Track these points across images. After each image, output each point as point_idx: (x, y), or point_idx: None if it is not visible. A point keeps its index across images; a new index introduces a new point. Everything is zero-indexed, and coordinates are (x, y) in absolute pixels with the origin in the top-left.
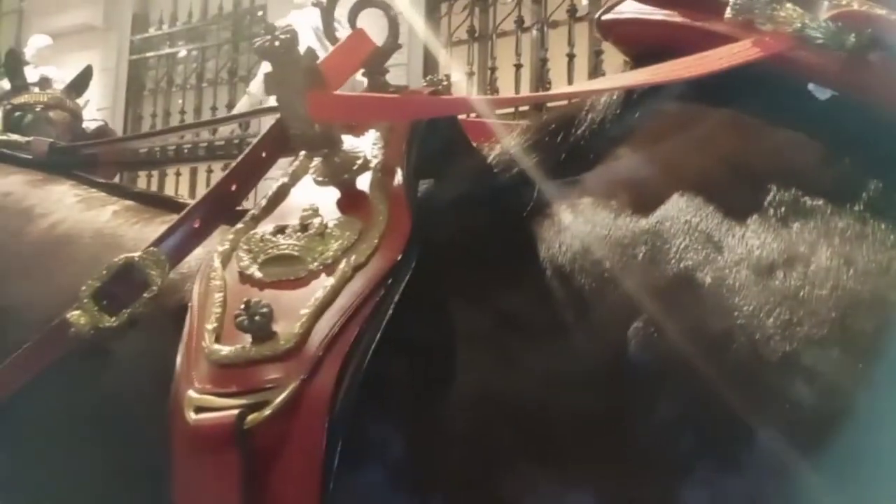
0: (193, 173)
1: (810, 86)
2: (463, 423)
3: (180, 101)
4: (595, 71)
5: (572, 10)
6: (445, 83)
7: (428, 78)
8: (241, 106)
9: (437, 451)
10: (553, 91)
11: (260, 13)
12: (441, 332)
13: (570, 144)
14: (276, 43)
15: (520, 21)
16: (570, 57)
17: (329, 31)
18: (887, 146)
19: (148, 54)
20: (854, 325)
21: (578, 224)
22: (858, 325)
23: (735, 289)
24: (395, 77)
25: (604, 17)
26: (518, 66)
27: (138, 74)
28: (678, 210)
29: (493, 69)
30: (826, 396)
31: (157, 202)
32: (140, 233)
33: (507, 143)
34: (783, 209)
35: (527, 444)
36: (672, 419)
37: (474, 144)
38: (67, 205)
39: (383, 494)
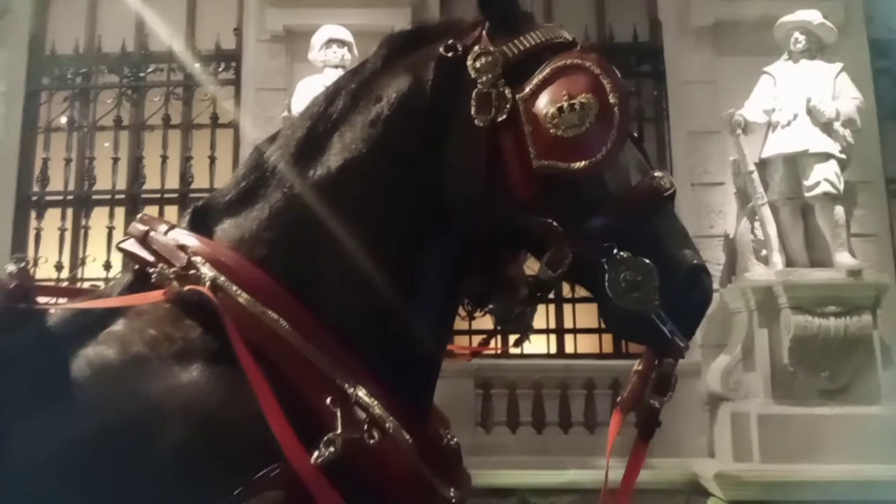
0: None
1: None
2: None
3: None
4: (185, 173)
5: (167, 119)
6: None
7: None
8: None
9: None
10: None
11: None
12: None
13: None
14: None
15: (118, 119)
16: (164, 158)
17: None
18: None
19: None
20: None
21: None
22: None
23: None
24: None
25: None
26: (115, 160)
27: None
28: None
29: (91, 159)
30: None
31: None
32: None
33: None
34: None
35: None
36: None
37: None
38: None
39: None
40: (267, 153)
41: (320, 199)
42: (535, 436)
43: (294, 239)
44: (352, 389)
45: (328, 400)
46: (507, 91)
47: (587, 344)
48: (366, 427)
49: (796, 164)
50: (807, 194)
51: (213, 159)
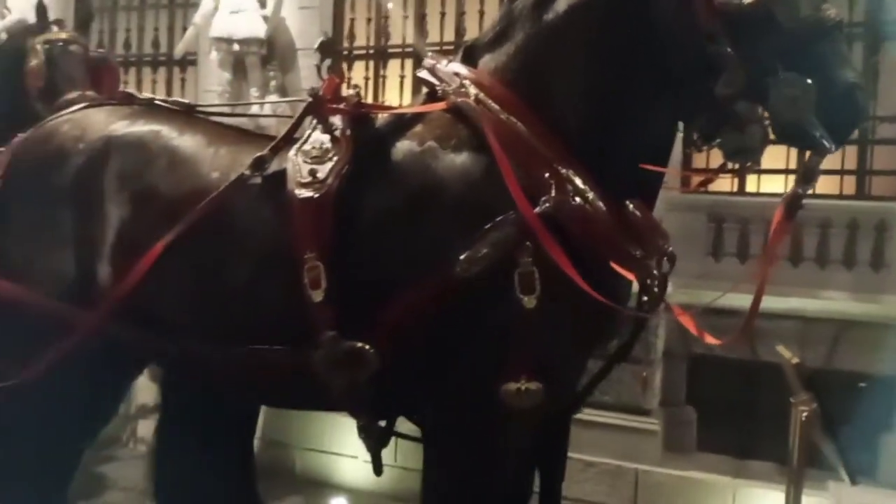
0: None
1: None
2: None
3: (125, 21)
4: (459, 26)
5: None
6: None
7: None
8: (189, 35)
9: None
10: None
11: None
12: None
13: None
14: None
15: None
16: (442, 14)
17: None
18: None
19: None
20: None
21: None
22: None
23: None
24: (308, 17)
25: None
26: (405, 18)
27: None
28: None
29: (386, 17)
30: None
31: (257, 135)
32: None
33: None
34: None
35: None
36: None
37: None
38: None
39: None
40: (515, 3)
41: (551, 35)
42: None
43: (532, 67)
44: (564, 171)
45: (546, 175)
46: None
47: (827, 185)
48: (571, 193)
49: None
50: None
51: (482, 14)
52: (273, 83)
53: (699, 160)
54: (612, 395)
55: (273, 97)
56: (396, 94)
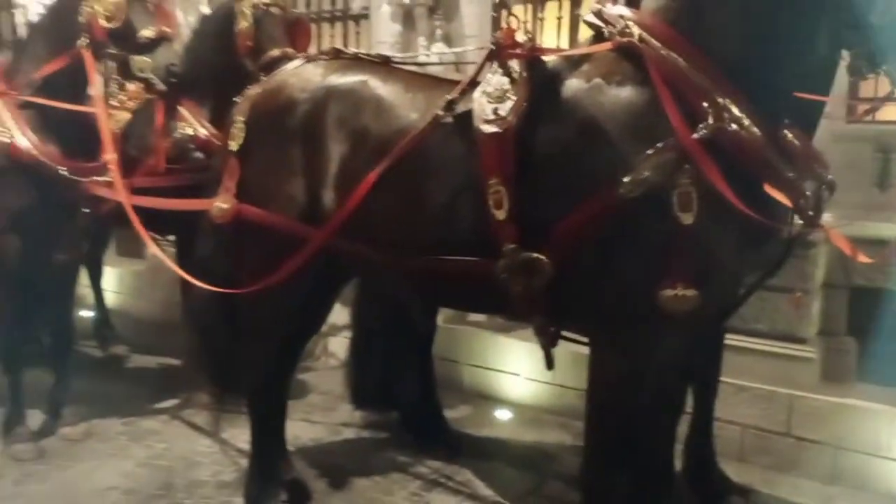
0: None
1: None
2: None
3: None
4: None
5: None
6: (531, 37)
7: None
8: None
9: None
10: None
11: None
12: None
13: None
14: None
15: None
16: None
17: None
18: None
19: None
20: None
21: None
22: None
23: None
24: None
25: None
26: None
27: None
28: None
29: None
30: None
31: (444, 80)
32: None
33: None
34: None
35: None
36: None
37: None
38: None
39: None
40: None
41: None
42: None
43: (690, 4)
44: (721, 100)
45: (704, 104)
46: None
47: None
48: (727, 120)
49: None
50: None
51: None
52: (438, 31)
53: (867, 90)
54: (767, 322)
55: (438, 44)
56: (554, 36)
